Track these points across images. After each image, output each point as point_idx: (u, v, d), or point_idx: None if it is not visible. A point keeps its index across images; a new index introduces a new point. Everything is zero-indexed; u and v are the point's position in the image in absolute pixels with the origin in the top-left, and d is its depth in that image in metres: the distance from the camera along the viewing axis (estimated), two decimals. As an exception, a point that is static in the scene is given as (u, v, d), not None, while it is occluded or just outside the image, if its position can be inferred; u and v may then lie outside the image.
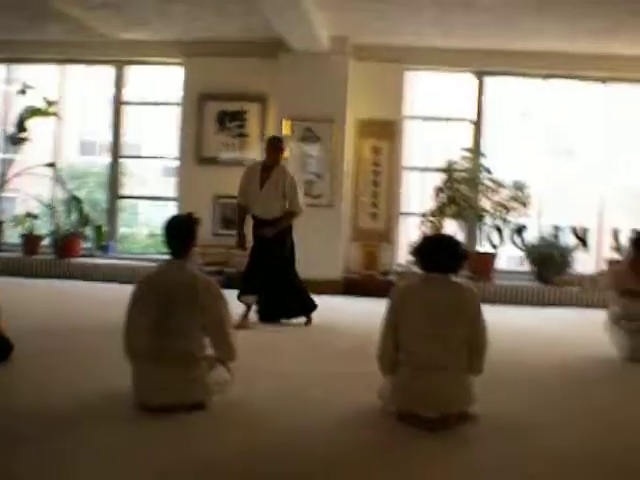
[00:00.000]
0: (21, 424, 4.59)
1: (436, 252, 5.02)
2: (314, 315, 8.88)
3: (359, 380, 5.95)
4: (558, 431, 4.89)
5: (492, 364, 5.12)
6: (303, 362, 6.75)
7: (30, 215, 13.26)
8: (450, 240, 5.24)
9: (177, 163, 12.98)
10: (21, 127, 12.94)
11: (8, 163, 13.23)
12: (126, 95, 13.48)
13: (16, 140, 13.03)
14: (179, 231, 5.23)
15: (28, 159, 13.31)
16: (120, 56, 13.10)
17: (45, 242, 13.10)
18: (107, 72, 13.54)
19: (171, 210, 13.10)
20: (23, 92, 12.94)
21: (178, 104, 12.87)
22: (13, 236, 13.67)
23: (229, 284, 9.10)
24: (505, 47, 11.81)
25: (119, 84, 13.37)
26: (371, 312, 8.44)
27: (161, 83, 13.60)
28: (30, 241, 12.94)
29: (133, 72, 13.54)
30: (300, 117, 11.82)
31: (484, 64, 12.33)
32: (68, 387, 5.50)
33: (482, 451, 4.45)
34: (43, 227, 14.04)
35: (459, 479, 4.01)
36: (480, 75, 12.55)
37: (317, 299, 8.76)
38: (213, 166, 12.43)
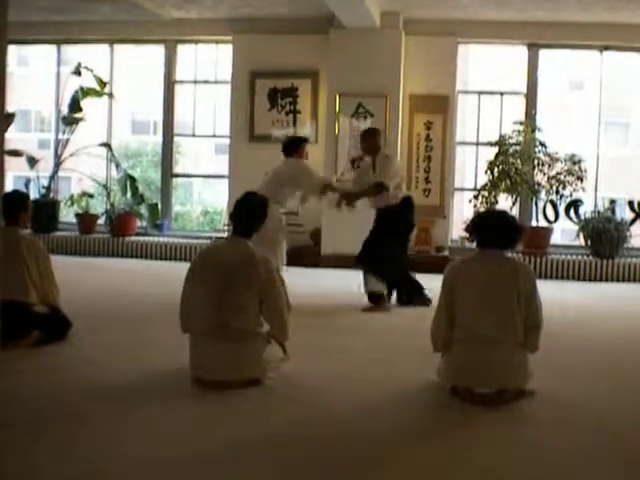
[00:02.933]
0: (81, 400, 4.65)
1: (491, 228, 4.97)
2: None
3: (413, 357, 5.94)
4: (614, 407, 4.84)
5: (547, 340, 5.07)
6: (356, 338, 6.75)
7: (85, 194, 13.42)
8: (505, 216, 5.20)
9: (229, 141, 13.02)
10: (76, 107, 13.06)
11: (63, 143, 13.36)
12: (177, 74, 13.53)
13: (71, 120, 13.16)
14: (253, 212, 5.28)
15: (82, 139, 13.45)
16: (170, 35, 13.12)
17: (100, 221, 13.24)
18: (158, 51, 13.60)
19: (224, 188, 13.20)
20: (78, 73, 13.05)
21: (229, 82, 12.88)
22: (69, 215, 13.85)
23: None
24: (559, 19, 11.61)
25: (170, 63, 13.41)
26: (425, 288, 8.45)
27: (212, 61, 13.62)
28: (85, 220, 13.09)
29: (184, 51, 13.57)
30: (352, 93, 11.77)
31: (537, 36, 12.14)
32: (125, 364, 5.57)
33: (537, 427, 4.41)
34: (98, 206, 14.21)
35: (514, 455, 3.98)
36: (533, 47, 12.36)
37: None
38: (265, 143, 12.43)
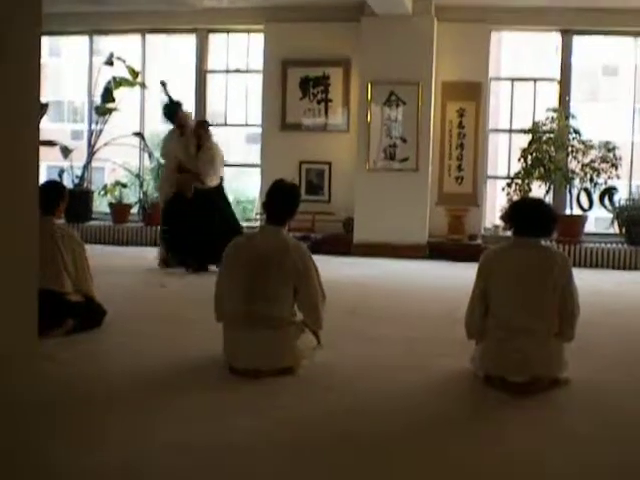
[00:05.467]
0: (114, 388, 4.68)
1: (528, 216, 4.93)
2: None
3: (446, 344, 5.92)
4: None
5: (582, 329, 5.02)
6: (389, 326, 6.73)
7: (119, 184, 13.50)
8: (541, 204, 5.17)
9: (261, 130, 13.02)
10: (109, 97, 13.12)
11: (96, 133, 13.43)
12: (209, 63, 13.54)
13: (104, 110, 13.22)
14: (285, 200, 5.25)
15: (115, 129, 13.52)
16: (202, 24, 13.15)
17: (133, 210, 13.33)
18: (189, 41, 13.62)
19: (256, 177, 13.21)
20: (110, 63, 13.10)
21: (261, 71, 12.88)
22: (102, 205, 13.95)
23: (315, 249, 9.11)
24: (593, 4, 11.48)
25: (202, 52, 13.42)
26: (458, 276, 8.42)
27: (244, 50, 13.63)
28: (119, 209, 13.18)
29: (215, 40, 13.58)
30: (384, 81, 11.73)
31: (571, 22, 12.02)
32: (159, 351, 5.59)
33: (571, 415, 4.39)
34: (131, 195, 14.29)
35: (548, 443, 3.96)
36: (567, 33, 12.24)
37: (403, 263, 8.70)
38: (297, 132, 12.45)
